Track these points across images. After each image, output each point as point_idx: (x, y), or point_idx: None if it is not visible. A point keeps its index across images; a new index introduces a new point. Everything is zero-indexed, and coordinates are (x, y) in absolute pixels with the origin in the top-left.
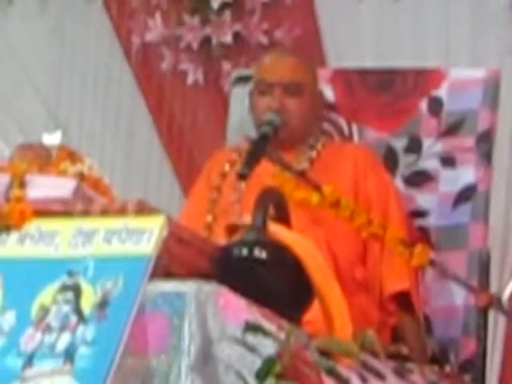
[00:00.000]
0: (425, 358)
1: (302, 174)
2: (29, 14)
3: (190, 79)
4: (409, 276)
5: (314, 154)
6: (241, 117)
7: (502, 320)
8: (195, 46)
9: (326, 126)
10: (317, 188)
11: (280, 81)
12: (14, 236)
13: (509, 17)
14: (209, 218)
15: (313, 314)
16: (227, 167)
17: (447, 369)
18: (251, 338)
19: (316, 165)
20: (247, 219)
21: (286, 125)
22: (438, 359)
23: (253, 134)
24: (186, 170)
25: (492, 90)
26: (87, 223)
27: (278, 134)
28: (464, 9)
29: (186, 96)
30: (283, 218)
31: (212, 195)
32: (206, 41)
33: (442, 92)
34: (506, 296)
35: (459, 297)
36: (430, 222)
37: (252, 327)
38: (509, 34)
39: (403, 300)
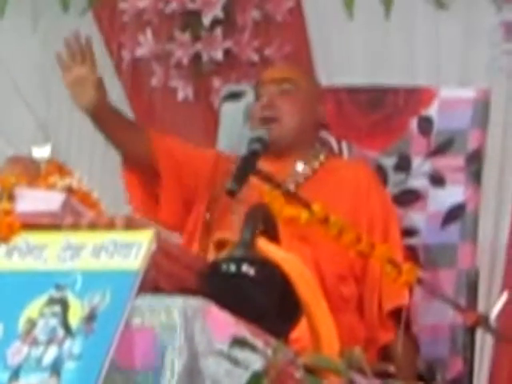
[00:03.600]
0: (414, 376)
1: (290, 192)
2: (21, 27)
3: (180, 95)
4: (408, 293)
5: (317, 164)
6: (231, 132)
7: (489, 339)
8: (186, 62)
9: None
10: (306, 205)
11: (272, 77)
12: (1, 249)
13: (499, 36)
14: (207, 216)
15: (300, 331)
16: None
17: None
18: (238, 353)
19: (317, 176)
20: (236, 235)
21: (276, 121)
22: (425, 378)
23: (243, 149)
24: None
25: (482, 110)
26: (75, 237)
27: (268, 148)
28: (455, 27)
29: (176, 112)
30: (272, 235)
31: (214, 192)
32: (197, 57)
33: (432, 111)
34: (493, 315)
35: (447, 316)
36: (419, 240)
37: (239, 342)
38: (499, 54)
39: (399, 317)
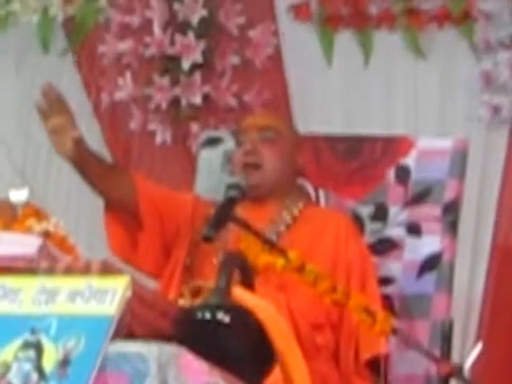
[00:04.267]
0: None
1: (267, 240)
2: (2, 68)
3: (158, 139)
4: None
5: (296, 212)
6: (209, 178)
7: None
8: (164, 106)
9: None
10: (282, 253)
11: (255, 124)
12: None
13: (477, 87)
14: (188, 261)
15: (274, 378)
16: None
17: None
18: None
19: (297, 224)
20: (211, 282)
21: (259, 168)
22: None
23: (221, 195)
24: None
25: (459, 161)
26: (51, 281)
27: (245, 195)
28: (433, 78)
29: (154, 156)
30: (247, 282)
31: (194, 237)
32: (176, 101)
33: (409, 161)
34: (467, 366)
35: (421, 366)
36: (395, 289)
37: None
38: (477, 105)
39: (375, 366)
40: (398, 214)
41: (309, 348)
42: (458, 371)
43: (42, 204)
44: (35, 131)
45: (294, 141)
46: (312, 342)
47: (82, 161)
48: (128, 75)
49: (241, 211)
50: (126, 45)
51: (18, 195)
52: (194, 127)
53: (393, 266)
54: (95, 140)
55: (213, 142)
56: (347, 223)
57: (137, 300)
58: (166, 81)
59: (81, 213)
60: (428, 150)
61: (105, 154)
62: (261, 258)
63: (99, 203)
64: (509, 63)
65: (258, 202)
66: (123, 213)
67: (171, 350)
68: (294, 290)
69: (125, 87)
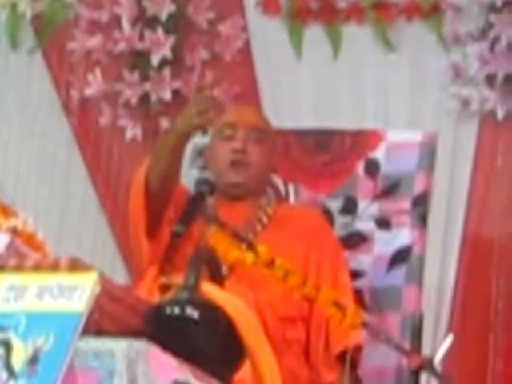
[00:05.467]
0: None
1: (236, 234)
2: None
3: (128, 135)
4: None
5: (270, 210)
6: None
7: (434, 383)
8: (134, 101)
9: None
10: (251, 248)
11: (245, 123)
12: None
13: (447, 80)
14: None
15: (244, 373)
16: None
17: None
18: None
19: (272, 222)
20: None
21: (247, 167)
22: None
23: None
24: (121, 226)
25: (428, 154)
26: (20, 278)
27: (215, 192)
28: (403, 71)
29: (124, 152)
30: (216, 278)
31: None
32: (145, 97)
33: (378, 154)
34: (438, 358)
35: (391, 359)
36: (365, 283)
37: None
38: (447, 97)
39: (345, 358)
40: (367, 208)
41: (279, 343)
42: (428, 364)
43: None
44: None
45: (274, 141)
46: (282, 337)
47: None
48: (98, 71)
49: (217, 209)
50: (95, 41)
51: None
52: (164, 123)
53: (363, 260)
54: (65, 136)
55: None
56: (320, 219)
57: (106, 296)
58: (135, 76)
59: (50, 209)
60: (397, 144)
61: (75, 151)
62: (230, 253)
63: (69, 200)
64: (478, 55)
65: (234, 200)
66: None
67: (140, 346)
68: (264, 285)
69: (94, 83)
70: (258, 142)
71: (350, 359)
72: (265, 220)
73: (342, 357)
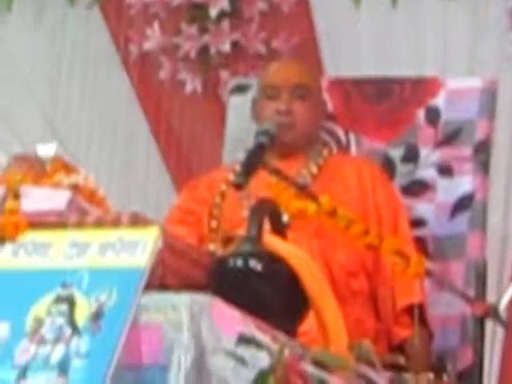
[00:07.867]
0: (426, 369)
1: (298, 184)
2: (26, 22)
3: (188, 88)
4: (421, 289)
5: (321, 161)
6: (239, 125)
7: (499, 330)
8: (193, 54)
9: (324, 135)
10: (313, 198)
11: (288, 83)
12: (8, 248)
13: (507, 25)
14: (214, 224)
15: (308, 324)
16: (224, 187)
17: (444, 378)
18: (245, 352)
19: (323, 173)
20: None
21: (293, 127)
22: (435, 368)
23: (251, 142)
24: (185, 180)
25: (489, 100)
26: (81, 235)
27: (275, 143)
28: (462, 17)
29: (184, 105)
30: (278, 230)
31: (214, 212)
32: (204, 50)
33: (439, 101)
34: (503, 306)
35: (456, 307)
36: (428, 231)
37: (246, 340)
38: (507, 43)
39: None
40: (429, 156)
41: (343, 293)
42: (493, 311)
43: (73, 158)
44: (64, 85)
45: (321, 93)
46: (347, 287)
47: None
48: (156, 25)
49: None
50: None
51: (46, 150)
52: (224, 75)
53: (425, 208)
54: (126, 91)
55: (242, 88)
56: (372, 170)
57: (168, 250)
58: (194, 29)
59: (113, 165)
60: (457, 90)
61: (136, 105)
62: (292, 204)
63: (131, 154)
64: None
65: (285, 156)
66: None
67: (204, 299)
68: (327, 236)
69: (153, 37)
70: (302, 98)
71: (417, 315)
72: (315, 170)
73: (408, 311)
